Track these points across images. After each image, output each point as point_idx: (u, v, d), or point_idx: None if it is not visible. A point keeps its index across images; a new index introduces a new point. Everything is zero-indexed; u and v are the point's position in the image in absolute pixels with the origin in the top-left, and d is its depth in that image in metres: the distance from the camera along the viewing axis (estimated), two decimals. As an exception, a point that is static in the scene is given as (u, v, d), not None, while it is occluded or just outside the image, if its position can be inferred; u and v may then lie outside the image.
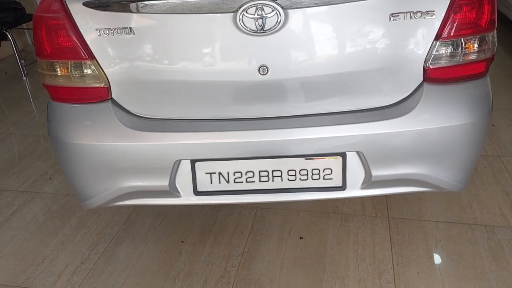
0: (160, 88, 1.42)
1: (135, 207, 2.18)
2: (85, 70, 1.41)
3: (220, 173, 1.48)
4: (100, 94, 1.44)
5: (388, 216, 2.02)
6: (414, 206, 2.07)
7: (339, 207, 2.09)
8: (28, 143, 2.98)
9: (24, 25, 4.53)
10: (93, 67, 1.40)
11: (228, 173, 1.48)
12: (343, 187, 1.48)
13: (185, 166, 1.46)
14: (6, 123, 3.29)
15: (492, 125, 2.72)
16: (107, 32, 1.35)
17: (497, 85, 3.27)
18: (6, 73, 4.37)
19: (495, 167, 2.31)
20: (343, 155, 1.44)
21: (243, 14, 1.28)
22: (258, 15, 1.28)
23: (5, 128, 3.21)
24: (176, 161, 1.44)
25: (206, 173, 1.48)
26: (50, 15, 1.37)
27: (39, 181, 2.51)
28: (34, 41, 1.43)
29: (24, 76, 4.16)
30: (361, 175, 1.47)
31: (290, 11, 1.29)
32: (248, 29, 1.30)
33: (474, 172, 2.27)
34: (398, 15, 1.31)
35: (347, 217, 2.03)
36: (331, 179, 1.47)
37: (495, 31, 1.42)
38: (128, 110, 1.47)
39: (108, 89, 1.43)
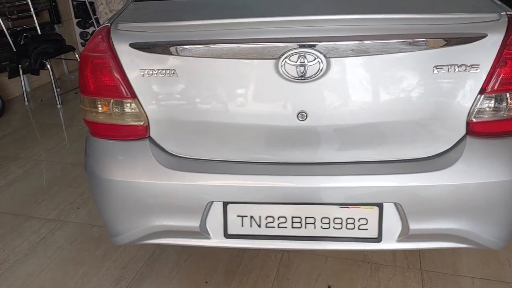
0: (198, 129, 1.43)
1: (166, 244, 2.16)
2: (126, 109, 1.43)
3: (252, 217, 1.46)
4: (139, 132, 1.46)
5: (421, 268, 1.94)
6: (448, 258, 1.98)
7: (369, 256, 2.02)
8: (58, 170, 3.03)
9: (62, 55, 4.72)
10: (134, 105, 1.42)
11: (260, 217, 1.45)
12: (378, 239, 1.43)
13: (217, 207, 1.45)
14: (38, 149, 3.37)
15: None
16: (151, 72, 1.38)
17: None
18: (42, 100, 4.53)
19: (534, 222, 2.21)
20: (380, 206, 1.40)
21: (285, 61, 1.29)
22: (300, 62, 1.29)
23: (37, 155, 3.29)
24: (209, 202, 1.43)
25: (238, 216, 1.46)
26: (97, 54, 1.42)
27: (67, 210, 2.53)
28: (79, 78, 1.47)
29: (59, 104, 4.29)
30: (398, 227, 1.42)
31: (332, 59, 1.29)
32: (290, 76, 1.31)
33: (512, 226, 2.17)
34: (442, 68, 1.30)
35: (378, 267, 1.96)
36: (366, 229, 1.43)
37: (541, 86, 1.38)
38: (164, 149, 1.48)
39: (147, 127, 1.45)
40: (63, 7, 5.28)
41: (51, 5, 5.03)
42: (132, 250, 2.15)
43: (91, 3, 4.90)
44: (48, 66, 4.24)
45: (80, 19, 5.40)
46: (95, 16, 5.02)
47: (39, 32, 4.56)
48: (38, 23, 4.68)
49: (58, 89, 4.42)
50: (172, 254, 2.11)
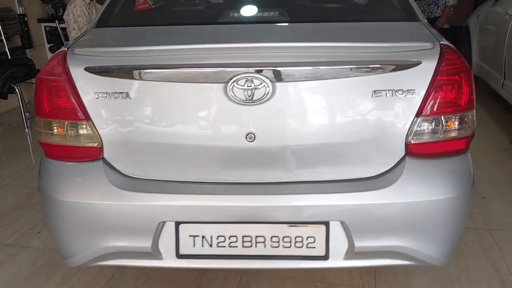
0: (151, 150, 1.47)
1: (120, 266, 2.14)
2: (80, 130, 1.46)
3: (203, 237, 1.48)
4: (93, 154, 1.48)
5: (376, 288, 1.98)
6: (401, 278, 2.03)
7: (326, 276, 2.05)
8: (22, 195, 2.99)
9: (33, 80, 4.71)
10: (88, 127, 1.46)
11: (211, 236, 1.48)
12: (325, 257, 1.47)
13: (169, 228, 1.47)
14: (2, 173, 3.32)
15: (483, 197, 2.73)
16: (105, 95, 1.42)
17: (487, 157, 3.32)
18: (9, 124, 4.48)
19: (485, 241, 2.30)
20: (326, 224, 1.45)
21: (234, 85, 1.36)
22: (247, 86, 1.36)
23: (1, 179, 3.24)
24: (160, 222, 1.45)
25: (190, 235, 1.48)
26: (52, 77, 1.46)
27: (27, 234, 2.49)
28: (34, 100, 1.50)
29: (27, 128, 4.25)
30: (344, 245, 1.47)
31: (277, 84, 1.37)
32: (238, 99, 1.37)
33: (464, 245, 2.25)
34: (381, 92, 1.38)
35: (334, 287, 1.99)
36: (314, 247, 1.47)
37: (474, 110, 1.48)
38: (118, 170, 1.50)
39: (100, 149, 1.48)
40: (35, 32, 5.31)
41: (22, 30, 5.05)
42: (90, 274, 2.12)
43: (63, 29, 4.95)
44: (17, 90, 4.22)
45: (52, 44, 5.43)
46: (67, 42, 5.06)
47: (9, 57, 4.55)
48: (9, 48, 4.68)
49: (27, 113, 4.39)
50: (130, 278, 2.09)
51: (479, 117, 4.49)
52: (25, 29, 5.08)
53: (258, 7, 1.90)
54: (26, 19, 5.09)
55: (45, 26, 5.39)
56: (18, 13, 5.03)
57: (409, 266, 2.03)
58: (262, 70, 1.35)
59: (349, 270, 2.08)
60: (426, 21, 1.78)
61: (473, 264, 2.13)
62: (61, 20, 4.82)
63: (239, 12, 1.93)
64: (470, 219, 2.50)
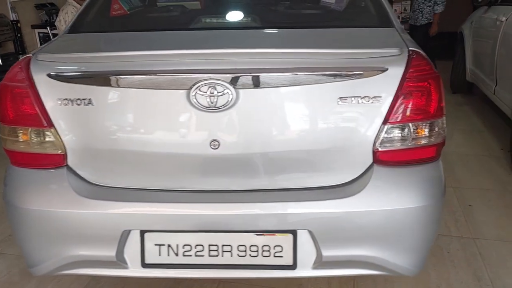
0: (115, 158, 1.45)
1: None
2: (43, 137, 1.44)
3: (169, 245, 1.45)
4: (56, 161, 1.46)
5: (354, 297, 1.94)
6: (381, 287, 2.00)
7: (304, 284, 2.02)
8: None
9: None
10: (51, 134, 1.44)
11: (177, 245, 1.45)
12: (293, 266, 1.44)
13: (134, 236, 1.44)
14: (-12, 180, 3.31)
15: (469, 205, 2.69)
16: (67, 102, 1.40)
17: (478, 164, 3.29)
18: None
19: (468, 250, 2.25)
20: (293, 233, 1.42)
21: (196, 91, 1.34)
22: (210, 93, 1.34)
23: (-14, 185, 3.22)
24: (125, 231, 1.43)
25: (155, 244, 1.45)
26: (15, 84, 1.44)
27: (5, 241, 2.47)
28: (-1, 107, 1.48)
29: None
30: (312, 254, 1.43)
31: (241, 90, 1.34)
32: (201, 106, 1.35)
33: (447, 254, 2.22)
34: (346, 99, 1.36)
35: (311, 296, 1.96)
36: (282, 257, 1.44)
37: (444, 117, 1.45)
38: (82, 177, 1.48)
39: (64, 156, 1.46)
40: (29, 38, 5.33)
41: (16, 36, 5.06)
42: (66, 282, 2.10)
43: (56, 35, 4.95)
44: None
45: (46, 50, 5.44)
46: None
47: (1, 63, 4.57)
48: (2, 54, 4.70)
49: (18, 119, 4.38)
50: (106, 286, 2.06)
51: (471, 124, 4.46)
52: (18, 35, 5.10)
53: (231, 13, 1.89)
54: (19, 25, 5.11)
55: (39, 32, 5.41)
56: (11, 19, 5.05)
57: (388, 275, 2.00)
58: (225, 76, 1.33)
59: (328, 278, 2.04)
60: (401, 26, 1.75)
61: (454, 273, 2.09)
62: (53, 26, 4.84)
63: (211, 18, 1.91)
64: (455, 227, 2.47)
